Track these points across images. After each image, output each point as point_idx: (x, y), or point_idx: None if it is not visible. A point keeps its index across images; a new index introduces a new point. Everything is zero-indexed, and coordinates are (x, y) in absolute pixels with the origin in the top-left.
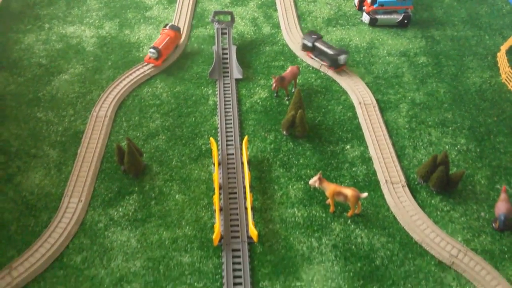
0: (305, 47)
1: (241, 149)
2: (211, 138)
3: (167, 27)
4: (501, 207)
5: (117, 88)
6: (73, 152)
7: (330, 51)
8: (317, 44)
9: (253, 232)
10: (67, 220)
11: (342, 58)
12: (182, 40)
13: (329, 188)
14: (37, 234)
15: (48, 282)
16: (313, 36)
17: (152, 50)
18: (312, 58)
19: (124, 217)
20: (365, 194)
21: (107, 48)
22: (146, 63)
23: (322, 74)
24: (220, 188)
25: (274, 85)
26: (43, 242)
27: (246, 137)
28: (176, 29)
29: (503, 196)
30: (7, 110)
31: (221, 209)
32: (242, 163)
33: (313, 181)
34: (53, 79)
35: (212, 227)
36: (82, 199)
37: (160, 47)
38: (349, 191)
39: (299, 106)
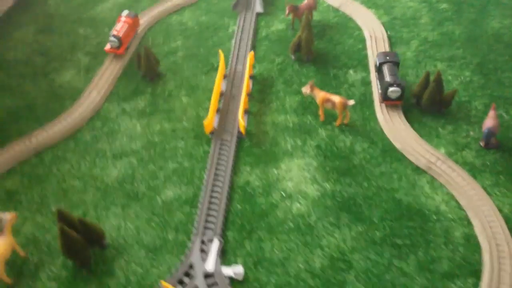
0: (375, 66)
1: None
2: (220, 50)
3: (124, 15)
4: (487, 123)
5: (149, 14)
6: (101, 60)
7: (387, 78)
8: (383, 67)
9: (241, 123)
10: (85, 108)
11: (391, 90)
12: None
13: (319, 95)
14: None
15: (61, 150)
16: (388, 57)
17: (112, 38)
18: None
19: (134, 110)
20: (351, 101)
21: None
22: None
23: (341, 13)
24: (221, 94)
25: (287, 11)
26: (61, 120)
27: (252, 52)
28: (133, 15)
29: (491, 113)
30: (54, 26)
31: (218, 110)
32: (250, 76)
33: (305, 88)
34: (97, 6)
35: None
36: (101, 93)
37: (121, 35)
38: (337, 98)
39: (308, 29)
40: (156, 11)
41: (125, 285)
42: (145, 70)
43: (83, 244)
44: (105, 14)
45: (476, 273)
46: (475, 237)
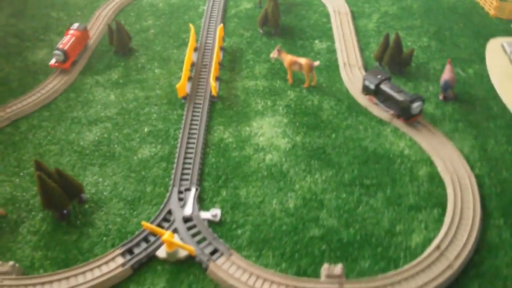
0: (366, 90)
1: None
2: (190, 24)
3: (74, 28)
4: (444, 76)
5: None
6: None
7: (400, 97)
8: (383, 87)
9: (213, 85)
10: (59, 80)
11: (415, 106)
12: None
13: (286, 58)
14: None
15: (36, 119)
16: (378, 76)
17: (57, 52)
18: (376, 104)
19: (108, 81)
20: (317, 62)
21: None
22: None
23: None
24: (193, 65)
25: None
26: (35, 92)
27: (221, 25)
28: (83, 28)
29: (447, 67)
30: (27, 10)
31: (190, 78)
32: (220, 48)
33: (273, 53)
34: None
35: None
36: (76, 67)
37: (66, 48)
38: (303, 60)
39: (274, 2)
40: None
41: (106, 234)
42: (117, 45)
43: (62, 194)
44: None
45: (441, 205)
46: (438, 175)
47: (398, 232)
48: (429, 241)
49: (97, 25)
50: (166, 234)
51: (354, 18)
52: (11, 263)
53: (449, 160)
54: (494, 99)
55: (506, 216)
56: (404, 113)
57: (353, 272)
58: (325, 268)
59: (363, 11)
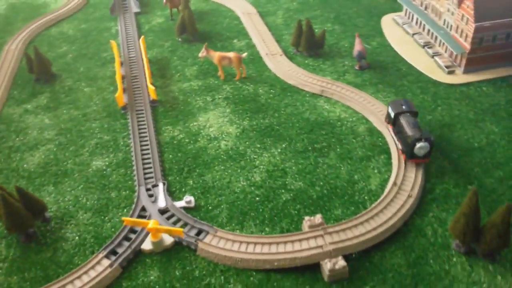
0: (388, 117)
1: (140, 49)
2: (111, 41)
3: None
4: (356, 48)
5: (26, 31)
6: None
7: (409, 131)
8: (400, 118)
9: (151, 88)
10: None
11: (419, 146)
12: None
13: (215, 55)
14: None
15: None
16: (403, 106)
17: None
18: (392, 135)
19: (37, 108)
20: (244, 54)
21: (16, 10)
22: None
23: (211, 1)
24: (123, 78)
25: (164, 1)
26: None
27: (142, 37)
28: None
29: (357, 40)
30: None
31: (124, 90)
32: (142, 60)
33: (201, 52)
34: None
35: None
36: None
37: None
38: (231, 53)
39: (188, 9)
40: (32, 27)
41: (82, 244)
42: (38, 71)
43: (26, 213)
44: None
45: (385, 151)
46: (375, 128)
47: (357, 180)
48: (385, 181)
49: (9, 59)
50: (151, 223)
51: (262, 17)
52: None
53: (381, 115)
54: (401, 62)
55: (439, 149)
56: (407, 150)
57: (329, 221)
58: (306, 220)
59: (268, 10)
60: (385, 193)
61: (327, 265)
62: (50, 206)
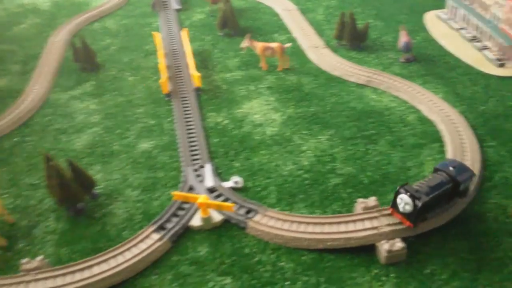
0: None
1: (182, 42)
2: (153, 32)
3: None
4: (402, 39)
5: (69, 26)
6: (33, 65)
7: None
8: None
9: (196, 75)
10: (32, 99)
11: (400, 199)
12: None
13: (258, 45)
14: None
15: (17, 136)
16: (450, 166)
17: None
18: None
19: (83, 94)
20: (288, 44)
21: (59, 7)
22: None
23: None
24: (168, 67)
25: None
26: (10, 113)
27: (185, 28)
28: None
29: (402, 32)
30: None
31: (167, 67)
32: (184, 52)
33: (244, 43)
34: (13, 28)
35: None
36: (44, 87)
37: None
38: (274, 44)
39: (229, 4)
40: (75, 22)
41: (131, 219)
42: (84, 60)
43: (77, 186)
44: (25, 32)
45: (439, 139)
46: (425, 117)
47: (410, 167)
48: None
49: (54, 50)
50: (201, 198)
51: (302, 13)
52: (39, 258)
53: (431, 104)
54: (448, 55)
55: (496, 138)
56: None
57: (383, 205)
58: (359, 202)
59: (307, 7)
60: None
61: (384, 246)
62: (98, 183)
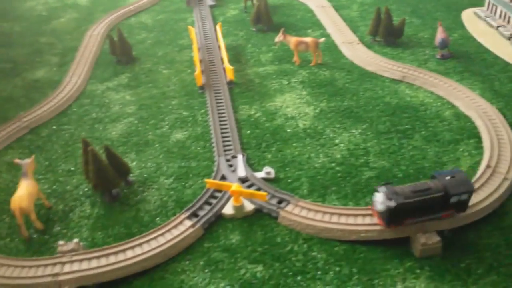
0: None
1: (217, 37)
2: (189, 26)
3: None
4: (439, 36)
5: (106, 20)
6: (72, 57)
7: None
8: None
9: (229, 68)
10: (69, 90)
11: (376, 197)
12: None
13: (292, 40)
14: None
15: (54, 124)
16: (448, 175)
17: None
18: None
19: (118, 86)
20: (322, 39)
21: (97, 2)
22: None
23: None
24: (200, 61)
25: None
26: (48, 102)
27: (219, 23)
28: None
29: (440, 28)
30: (13, 41)
31: (201, 61)
32: (219, 46)
33: (278, 37)
34: (52, 22)
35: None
36: (81, 78)
37: None
38: (308, 38)
39: (264, 1)
40: (113, 16)
41: (164, 206)
42: (120, 52)
43: (113, 172)
44: (63, 26)
45: (475, 135)
46: (462, 113)
47: (446, 162)
48: (476, 164)
49: (91, 43)
50: (234, 186)
51: (336, 10)
52: (75, 240)
53: (468, 100)
54: (486, 53)
55: None
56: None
57: None
58: None
59: (342, 4)
60: (478, 175)
61: (419, 239)
62: (133, 171)
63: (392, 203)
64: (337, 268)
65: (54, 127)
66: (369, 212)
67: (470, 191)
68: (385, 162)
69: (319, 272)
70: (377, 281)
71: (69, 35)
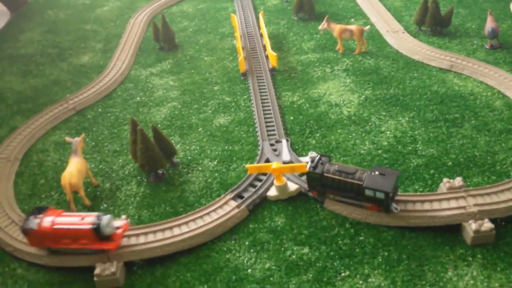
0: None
1: (259, 24)
2: (232, 14)
3: None
4: (489, 25)
5: (149, 9)
6: (116, 43)
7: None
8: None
9: (272, 55)
10: (114, 74)
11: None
12: None
13: (336, 27)
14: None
15: (100, 107)
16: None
17: None
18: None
19: (161, 71)
20: (367, 27)
21: None
22: None
23: None
24: (243, 48)
25: None
26: (94, 85)
27: (261, 11)
28: None
29: (489, 17)
30: (59, 28)
31: (243, 48)
32: (261, 34)
33: (322, 25)
34: (96, 10)
35: (238, 70)
36: (125, 63)
37: None
38: (353, 26)
39: None
40: (155, 5)
41: (209, 187)
42: (164, 39)
43: (160, 152)
44: (107, 14)
45: None
46: None
47: (497, 151)
48: None
49: (134, 30)
50: (274, 164)
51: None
52: (123, 217)
53: None
54: None
55: None
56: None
57: (469, 187)
58: (444, 182)
59: None
60: None
61: (471, 226)
62: (177, 153)
63: (309, 169)
64: (386, 253)
65: (99, 109)
66: (419, 198)
67: (386, 192)
68: (433, 150)
69: (366, 256)
70: (427, 267)
71: (113, 23)
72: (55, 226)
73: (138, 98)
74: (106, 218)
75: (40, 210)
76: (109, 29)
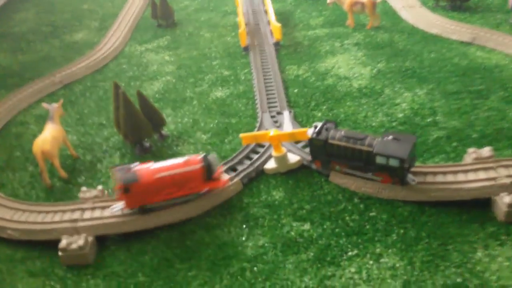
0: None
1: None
2: None
3: None
4: None
5: None
6: (111, 22)
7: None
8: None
9: (276, 26)
10: (106, 50)
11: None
12: None
13: (346, 0)
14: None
15: (89, 81)
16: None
17: None
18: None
19: (158, 47)
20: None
21: None
22: None
23: None
24: (246, 24)
25: None
26: (84, 60)
27: None
28: None
29: None
30: (55, 8)
31: (246, 24)
32: (265, 11)
33: None
34: None
35: (239, 46)
36: (120, 40)
37: None
38: None
39: None
40: None
41: None
42: (161, 15)
43: (145, 120)
44: None
45: None
46: None
47: None
48: None
49: (132, 9)
50: (272, 131)
51: None
52: (99, 187)
53: None
54: None
55: None
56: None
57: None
58: (470, 153)
59: None
60: None
61: (504, 200)
62: (168, 127)
63: (311, 136)
64: (401, 231)
65: (88, 83)
66: (441, 169)
67: (401, 158)
68: (456, 122)
69: (378, 234)
70: (452, 246)
71: (110, 3)
72: (157, 175)
73: (131, 72)
74: (211, 156)
75: (127, 168)
76: (107, 8)
